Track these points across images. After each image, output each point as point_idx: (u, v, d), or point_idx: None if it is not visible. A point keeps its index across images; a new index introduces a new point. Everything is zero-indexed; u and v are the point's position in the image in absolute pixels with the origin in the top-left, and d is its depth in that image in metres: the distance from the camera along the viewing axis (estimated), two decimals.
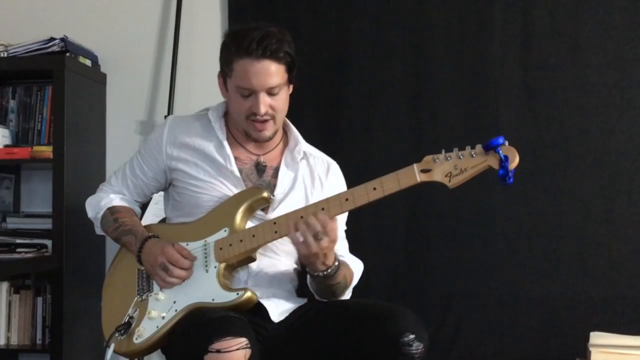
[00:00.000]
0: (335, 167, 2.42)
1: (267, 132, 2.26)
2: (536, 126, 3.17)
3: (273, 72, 2.18)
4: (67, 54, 3.20)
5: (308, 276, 2.22)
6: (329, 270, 2.14)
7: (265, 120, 2.23)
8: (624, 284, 3.09)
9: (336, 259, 2.17)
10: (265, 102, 2.20)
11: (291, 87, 2.29)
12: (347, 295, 2.31)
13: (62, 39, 3.21)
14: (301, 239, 2.07)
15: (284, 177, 2.31)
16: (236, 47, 2.18)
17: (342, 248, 2.34)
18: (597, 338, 2.82)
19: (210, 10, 3.46)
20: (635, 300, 3.07)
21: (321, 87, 3.31)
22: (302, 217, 2.10)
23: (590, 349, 2.75)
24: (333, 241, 2.10)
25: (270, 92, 2.20)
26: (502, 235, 3.18)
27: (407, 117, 3.27)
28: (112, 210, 2.36)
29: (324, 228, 2.06)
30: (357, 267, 2.34)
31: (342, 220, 2.35)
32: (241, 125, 2.27)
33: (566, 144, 3.16)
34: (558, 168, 3.16)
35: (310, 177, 2.35)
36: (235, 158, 2.28)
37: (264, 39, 2.15)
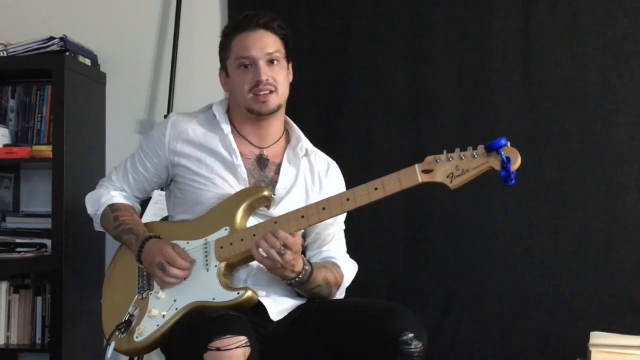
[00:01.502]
0: (335, 167, 2.43)
1: (272, 104, 2.27)
2: (536, 126, 3.17)
3: (270, 41, 2.27)
4: (67, 54, 3.20)
5: None
6: (301, 277, 2.16)
7: (269, 92, 2.25)
8: (624, 284, 3.09)
9: (306, 264, 2.18)
10: (265, 71, 2.24)
11: (291, 69, 2.33)
12: (339, 296, 2.32)
13: (62, 39, 3.21)
14: (265, 256, 2.10)
15: (286, 173, 2.31)
16: (232, 29, 2.30)
17: (336, 249, 2.36)
18: (597, 338, 2.82)
19: (210, 9, 3.46)
20: (635, 300, 3.07)
21: (321, 87, 3.31)
22: (254, 235, 2.14)
23: (591, 349, 2.75)
24: (297, 253, 2.12)
25: (270, 61, 2.25)
26: (502, 234, 3.18)
27: (407, 116, 3.27)
28: (112, 208, 2.36)
29: (285, 244, 2.08)
30: (349, 269, 2.35)
31: (340, 219, 2.36)
32: (245, 103, 2.28)
33: (566, 143, 3.16)
34: (558, 168, 3.16)
35: (311, 174, 2.35)
36: (240, 153, 2.29)
37: (257, 15, 2.28)
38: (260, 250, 2.10)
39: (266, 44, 2.26)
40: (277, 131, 2.35)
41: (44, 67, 3.21)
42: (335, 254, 2.34)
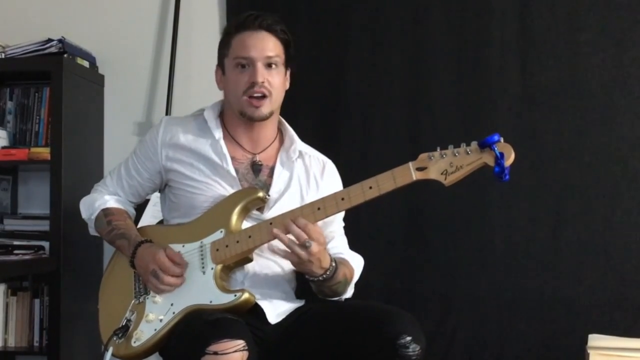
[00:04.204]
0: (330, 165, 2.43)
1: (264, 110, 2.26)
2: (535, 127, 3.17)
3: (271, 43, 2.25)
4: (65, 55, 3.20)
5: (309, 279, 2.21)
6: (327, 273, 2.15)
7: (262, 97, 2.24)
8: (622, 286, 3.08)
9: (333, 259, 2.17)
10: (262, 73, 2.23)
11: (288, 74, 2.32)
12: (350, 292, 2.31)
13: (60, 40, 3.21)
14: (289, 251, 2.09)
15: (279, 176, 2.31)
16: (234, 27, 2.27)
17: (341, 245, 2.36)
18: (595, 340, 2.82)
19: (208, 11, 3.46)
20: (633, 302, 3.07)
21: (319, 87, 3.32)
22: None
23: (589, 351, 2.74)
24: (322, 244, 2.11)
25: (268, 64, 2.23)
26: (500, 236, 3.18)
27: (405, 117, 3.27)
28: (106, 212, 2.36)
29: (309, 235, 2.07)
30: (357, 262, 2.34)
31: (339, 216, 2.36)
32: (238, 105, 2.27)
33: (565, 145, 3.15)
34: (556, 169, 3.15)
35: (306, 176, 2.35)
36: (232, 157, 2.29)
37: (260, 15, 2.26)
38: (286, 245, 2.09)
39: (266, 46, 2.24)
40: (270, 135, 2.35)
41: (42, 69, 3.20)
42: (342, 249, 2.34)
